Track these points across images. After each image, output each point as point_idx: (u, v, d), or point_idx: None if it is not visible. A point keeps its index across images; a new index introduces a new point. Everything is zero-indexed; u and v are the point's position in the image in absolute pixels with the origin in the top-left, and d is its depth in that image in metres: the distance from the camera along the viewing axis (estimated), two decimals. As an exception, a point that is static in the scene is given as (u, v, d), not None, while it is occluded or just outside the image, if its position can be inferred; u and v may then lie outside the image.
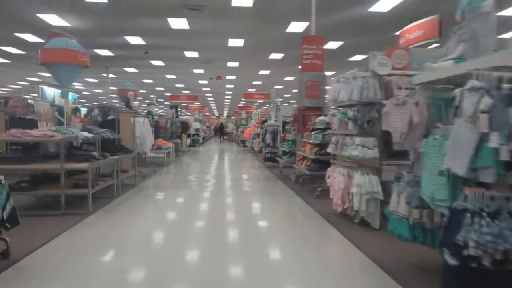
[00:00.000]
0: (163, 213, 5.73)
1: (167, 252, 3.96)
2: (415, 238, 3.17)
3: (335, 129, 5.60)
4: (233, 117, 44.52)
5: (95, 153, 5.71)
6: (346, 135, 5.13)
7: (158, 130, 15.16)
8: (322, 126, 7.02)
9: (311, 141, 7.20)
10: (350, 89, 4.71)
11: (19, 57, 16.61)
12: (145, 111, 12.85)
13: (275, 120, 12.07)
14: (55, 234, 4.32)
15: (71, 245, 4.08)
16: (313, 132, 7.17)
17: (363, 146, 4.63)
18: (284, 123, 11.66)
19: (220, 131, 33.81)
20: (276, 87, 28.93)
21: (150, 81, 25.04)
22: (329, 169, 5.43)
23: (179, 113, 25.38)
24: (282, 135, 10.94)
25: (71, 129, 5.66)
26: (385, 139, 4.20)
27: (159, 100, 34.99)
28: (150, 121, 10.55)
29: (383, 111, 3.80)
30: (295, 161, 8.20)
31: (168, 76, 23.10)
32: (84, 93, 30.96)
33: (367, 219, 4.68)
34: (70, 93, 23.99)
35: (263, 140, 12.69)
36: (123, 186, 7.44)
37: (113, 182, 6.42)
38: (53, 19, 11.06)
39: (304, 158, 7.56)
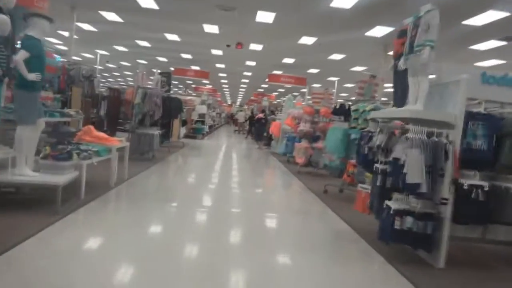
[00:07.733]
0: None
1: None
2: None
3: None
4: (245, 106, 35.54)
5: None
6: None
7: (109, 110, 6.45)
8: None
9: None
10: None
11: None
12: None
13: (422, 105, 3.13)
14: None
15: None
16: None
17: None
18: (470, 115, 2.72)
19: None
20: (311, 70, 19.41)
21: (145, 43, 16.10)
22: None
23: (177, 90, 16.51)
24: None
25: None
26: None
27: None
28: None
29: None
30: None
31: (169, 36, 14.29)
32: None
33: None
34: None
35: (364, 163, 3.71)
36: None
37: None
38: None
39: None
